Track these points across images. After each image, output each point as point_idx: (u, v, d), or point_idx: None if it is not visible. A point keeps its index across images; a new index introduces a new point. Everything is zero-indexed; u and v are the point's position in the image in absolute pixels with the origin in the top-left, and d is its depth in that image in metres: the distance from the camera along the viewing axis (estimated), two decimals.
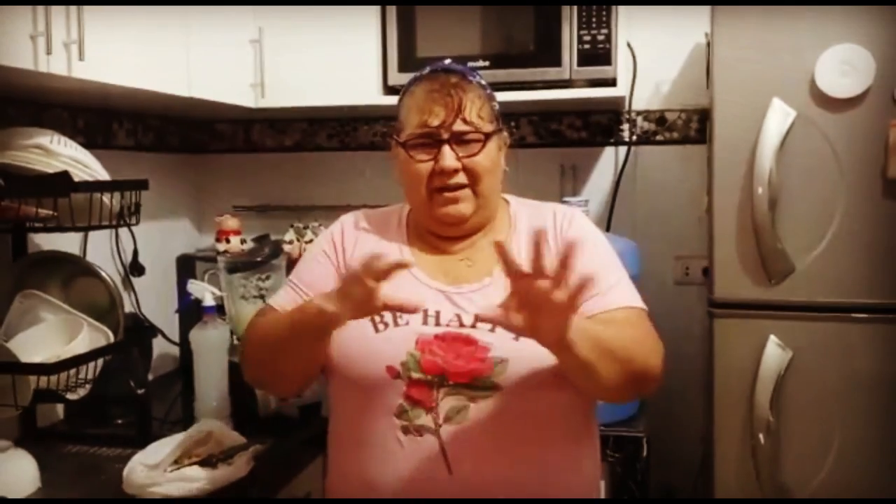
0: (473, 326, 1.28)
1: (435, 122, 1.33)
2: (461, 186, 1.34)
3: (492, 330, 1.26)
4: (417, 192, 1.36)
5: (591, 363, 1.15)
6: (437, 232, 1.41)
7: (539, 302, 1.04)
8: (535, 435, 1.27)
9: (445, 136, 1.32)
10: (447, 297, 1.32)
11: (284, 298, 1.40)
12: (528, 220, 1.42)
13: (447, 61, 1.43)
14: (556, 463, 1.29)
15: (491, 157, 1.36)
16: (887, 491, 1.90)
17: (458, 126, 1.33)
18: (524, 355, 1.24)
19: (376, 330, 1.29)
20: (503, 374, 1.24)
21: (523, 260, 1.34)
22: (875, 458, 1.92)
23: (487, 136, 1.35)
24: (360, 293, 1.15)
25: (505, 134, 1.42)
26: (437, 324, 1.29)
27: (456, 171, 1.33)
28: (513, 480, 1.25)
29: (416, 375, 1.25)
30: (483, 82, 1.41)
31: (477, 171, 1.33)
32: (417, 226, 1.43)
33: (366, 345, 1.29)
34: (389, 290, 1.30)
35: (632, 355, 1.22)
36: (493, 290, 1.29)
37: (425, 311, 1.29)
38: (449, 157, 1.32)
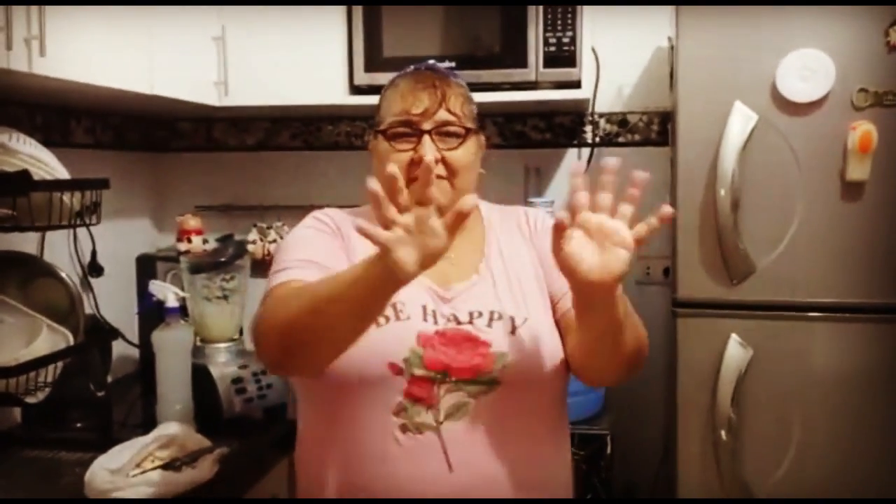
0: (470, 323, 1.28)
1: (418, 110, 1.31)
2: (439, 177, 1.30)
3: (489, 325, 1.26)
4: None
5: (622, 325, 1.15)
6: None
7: (603, 234, 1.06)
8: (532, 430, 1.28)
9: (427, 126, 1.31)
10: (439, 296, 1.31)
11: (306, 273, 1.23)
12: (500, 220, 1.42)
13: (430, 62, 1.42)
14: (547, 458, 1.31)
15: (470, 154, 1.35)
16: (844, 486, 1.95)
17: (442, 115, 1.31)
18: (522, 349, 1.25)
19: (377, 324, 1.24)
20: (504, 368, 1.24)
21: (502, 257, 1.35)
22: (833, 455, 1.97)
23: (468, 130, 1.34)
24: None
25: (482, 137, 1.42)
26: (436, 321, 1.28)
27: (435, 163, 1.32)
28: (511, 476, 1.25)
29: (418, 372, 1.23)
30: (464, 84, 1.40)
31: (455, 165, 1.32)
32: None
33: (366, 340, 1.19)
34: None
35: (639, 329, 1.25)
36: (482, 288, 1.31)
37: (424, 308, 1.28)
38: (429, 147, 1.30)
